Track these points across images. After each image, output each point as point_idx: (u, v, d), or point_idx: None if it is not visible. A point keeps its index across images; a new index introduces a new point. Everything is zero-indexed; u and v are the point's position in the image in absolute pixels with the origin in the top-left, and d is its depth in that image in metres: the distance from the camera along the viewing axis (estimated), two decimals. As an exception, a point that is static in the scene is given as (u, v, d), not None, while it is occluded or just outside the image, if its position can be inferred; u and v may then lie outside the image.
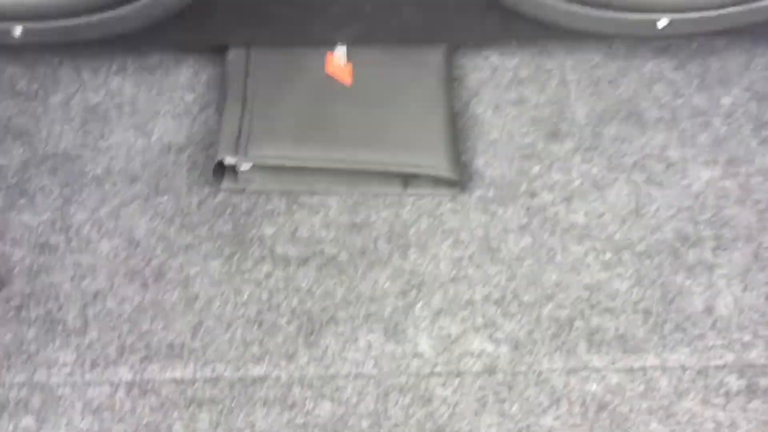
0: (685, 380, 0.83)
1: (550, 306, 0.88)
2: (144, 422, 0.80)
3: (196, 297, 0.88)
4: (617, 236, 0.92)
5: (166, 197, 0.94)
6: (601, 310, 0.87)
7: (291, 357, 0.84)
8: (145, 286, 0.88)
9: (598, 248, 0.92)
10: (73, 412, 0.80)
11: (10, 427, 0.79)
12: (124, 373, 0.82)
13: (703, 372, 0.83)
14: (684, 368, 0.83)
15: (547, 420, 0.81)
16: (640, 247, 0.91)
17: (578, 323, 0.87)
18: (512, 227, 0.93)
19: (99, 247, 0.91)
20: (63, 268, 0.89)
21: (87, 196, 0.94)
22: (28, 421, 0.79)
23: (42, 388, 0.81)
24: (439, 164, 0.94)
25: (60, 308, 0.86)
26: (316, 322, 0.87)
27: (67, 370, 0.82)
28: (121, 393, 0.81)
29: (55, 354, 0.83)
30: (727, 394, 0.82)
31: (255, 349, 0.85)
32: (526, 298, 0.88)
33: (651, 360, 0.84)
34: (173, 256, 0.90)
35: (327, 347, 0.85)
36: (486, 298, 0.88)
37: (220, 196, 0.95)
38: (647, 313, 0.87)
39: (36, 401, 0.80)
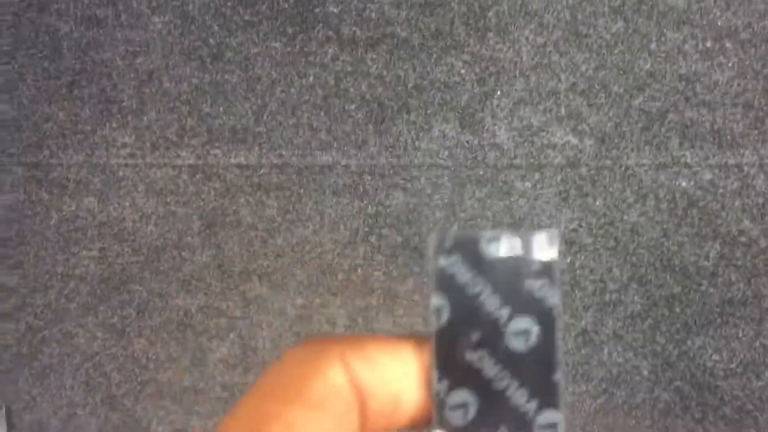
0: (783, 179, 0.77)
1: (641, 97, 0.81)
2: (210, 207, 0.77)
3: (258, 79, 0.81)
4: (720, 22, 0.83)
5: (220, -30, 0.86)
6: (697, 102, 0.80)
7: (361, 145, 0.79)
8: (203, 66, 0.82)
9: (697, 35, 0.83)
10: (136, 193, 0.77)
11: (73, 207, 0.76)
12: (187, 157, 0.78)
13: (803, 171, 0.78)
14: (783, 166, 0.78)
15: (632, 216, 0.77)
16: (745, 35, 0.83)
17: (671, 116, 0.80)
18: (603, 10, 0.84)
19: (151, 23, 0.83)
20: (114, 44, 0.82)
21: (134, -33, 0.86)
22: (90, 201, 0.76)
23: (102, 169, 0.77)
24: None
25: (114, 87, 0.81)
26: (387, 109, 0.81)
27: (127, 151, 0.78)
28: (184, 176, 0.78)
29: (113, 134, 0.79)
30: (828, 194, 0.77)
31: (323, 135, 0.80)
32: (615, 88, 0.81)
33: (748, 156, 0.78)
34: (231, 35, 0.83)
35: (399, 136, 0.80)
36: (571, 88, 0.81)
37: (280, -30, 0.86)
38: (748, 106, 0.80)
39: (97, 182, 0.77)
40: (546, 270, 0.20)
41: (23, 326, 0.72)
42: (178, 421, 0.69)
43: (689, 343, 0.73)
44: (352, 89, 0.81)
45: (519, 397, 0.19)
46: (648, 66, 0.82)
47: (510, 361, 0.19)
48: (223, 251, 0.75)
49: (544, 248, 0.20)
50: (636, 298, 0.74)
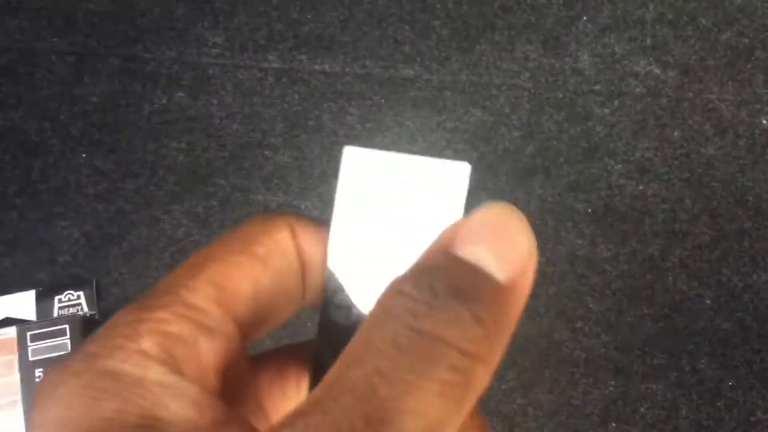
0: None
1: (729, 32, 0.80)
2: (293, 110, 0.79)
3: (347, -11, 0.83)
4: (819, -39, 0.82)
5: None
6: (786, 41, 0.79)
7: (443, 61, 0.80)
8: (294, -28, 0.83)
9: (794, -27, 0.81)
10: (224, 92, 0.79)
11: (164, 100, 0.79)
12: (273, 60, 0.80)
13: None
14: None
15: (709, 149, 0.77)
16: (844, -24, 0.81)
17: (758, 53, 0.79)
18: (699, -59, 0.83)
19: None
20: (209, -54, 0.84)
21: None
22: (180, 96, 0.79)
23: (193, 66, 0.80)
24: None
25: (207, -12, 0.83)
26: (472, 27, 0.81)
27: (217, 51, 0.81)
28: (270, 79, 0.80)
29: (205, 33, 0.81)
30: None
31: (406, 49, 0.81)
32: (703, 21, 0.81)
33: (834, 99, 0.77)
34: (323, -56, 0.84)
35: (481, 54, 0.81)
36: (659, 18, 0.81)
37: None
38: (839, 49, 0.79)
39: (187, 78, 0.80)
40: (446, 199, 0.21)
41: (114, 208, 0.76)
42: (254, 308, 0.73)
43: (755, 277, 0.74)
44: (438, 5, 0.82)
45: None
46: (739, 1, 0.81)
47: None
48: (304, 153, 0.78)
49: (450, 180, 0.21)
50: (705, 229, 0.75)
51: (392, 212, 0.21)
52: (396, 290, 0.18)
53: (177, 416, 0.18)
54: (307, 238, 0.23)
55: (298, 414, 0.17)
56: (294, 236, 0.23)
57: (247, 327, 0.21)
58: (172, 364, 0.19)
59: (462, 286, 0.18)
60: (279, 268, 0.22)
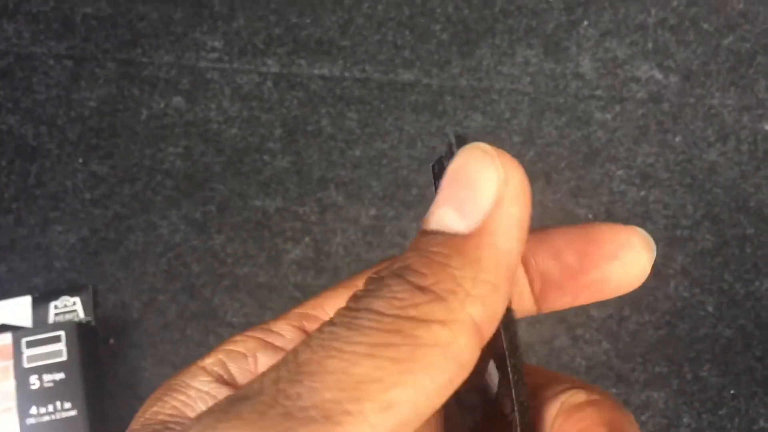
0: None
1: (731, 37, 0.79)
2: (292, 115, 0.78)
3: (347, -7, 0.82)
4: (822, -34, 0.81)
5: None
6: (789, 46, 0.79)
7: (443, 65, 0.80)
8: (293, -24, 0.83)
9: (797, -23, 0.81)
10: (222, 96, 0.79)
11: (162, 105, 0.78)
12: (272, 65, 0.80)
13: None
14: None
15: (711, 155, 0.76)
16: None
17: (760, 58, 0.79)
18: (700, -54, 0.82)
19: (245, -69, 0.84)
20: (208, -50, 0.84)
21: None
22: (178, 100, 0.79)
23: (191, 71, 0.80)
24: None
25: (206, -8, 0.82)
26: (472, 31, 0.81)
27: (216, 55, 0.80)
28: (269, 83, 0.79)
29: (203, 38, 0.81)
30: None
31: (406, 53, 0.80)
32: (705, 26, 0.80)
33: (837, 104, 0.77)
34: (323, -53, 0.84)
35: (482, 59, 0.80)
36: (661, 23, 0.80)
37: None
38: (842, 54, 0.78)
39: (185, 82, 0.79)
40: None
41: (111, 213, 0.76)
42: (252, 314, 0.72)
43: (757, 283, 0.73)
44: (438, 9, 0.82)
45: None
46: (741, 6, 0.80)
47: None
48: (303, 158, 0.77)
49: None
50: (707, 235, 0.75)
51: None
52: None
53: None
54: None
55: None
56: None
57: None
58: (222, 375, 0.22)
59: (408, 265, 0.19)
60: None
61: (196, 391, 0.22)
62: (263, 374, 0.18)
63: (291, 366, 0.18)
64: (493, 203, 0.19)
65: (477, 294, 0.18)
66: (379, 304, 0.18)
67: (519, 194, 0.19)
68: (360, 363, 0.17)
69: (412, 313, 0.18)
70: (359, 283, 0.22)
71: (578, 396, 0.22)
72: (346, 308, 0.19)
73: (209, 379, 0.22)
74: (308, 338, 0.18)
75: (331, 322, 0.18)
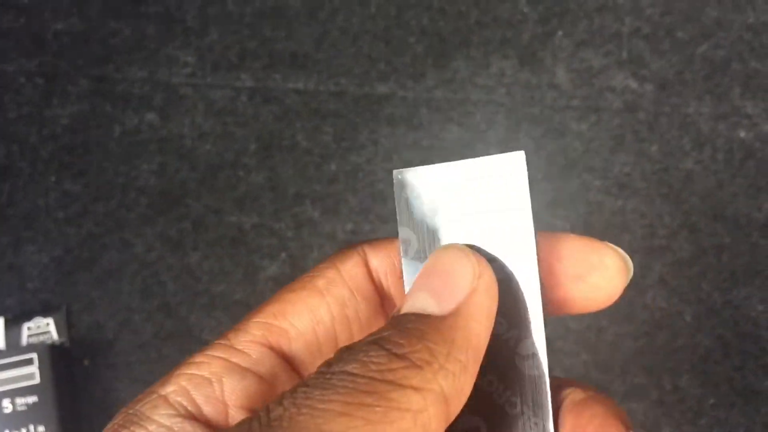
0: None
1: (706, 45, 0.80)
2: (267, 129, 0.78)
3: (321, 6, 0.82)
4: (794, -27, 0.81)
5: None
6: (762, 53, 0.79)
7: (419, 78, 0.80)
8: (266, -10, 0.82)
9: (770, -15, 0.81)
10: (196, 112, 0.78)
11: (135, 121, 0.78)
12: (246, 79, 0.79)
13: None
14: None
15: (688, 163, 0.76)
16: (819, -12, 0.81)
17: (735, 66, 0.79)
18: (674, -45, 0.83)
19: (217, -55, 0.84)
20: (181, -36, 0.83)
21: None
22: (151, 116, 0.78)
23: (164, 86, 0.79)
24: None
25: (179, 7, 0.82)
26: (448, 43, 0.81)
27: (189, 70, 0.80)
28: (243, 98, 0.79)
29: (176, 53, 0.80)
30: None
31: (381, 66, 0.80)
32: (680, 34, 0.80)
33: (811, 112, 0.77)
34: (296, -40, 0.83)
35: (457, 71, 0.80)
36: (635, 32, 0.80)
37: None
38: (815, 61, 0.78)
39: (159, 98, 0.79)
40: (509, 193, 0.21)
41: (84, 232, 0.75)
42: (228, 332, 0.72)
43: (735, 292, 0.73)
44: (413, 21, 0.82)
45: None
46: (715, 14, 0.80)
47: None
48: (278, 173, 0.77)
49: (509, 172, 0.21)
50: (685, 245, 0.74)
51: (458, 222, 0.22)
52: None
53: None
54: (380, 262, 0.24)
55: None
56: (367, 263, 0.24)
57: (307, 357, 0.23)
58: (186, 407, 0.22)
59: (387, 336, 0.20)
60: (340, 297, 0.24)
61: (157, 426, 0.21)
62: (233, 429, 0.18)
63: (263, 420, 0.18)
64: (469, 292, 0.21)
65: (449, 369, 0.19)
66: (354, 367, 0.19)
67: (490, 287, 0.21)
68: (334, 420, 0.17)
69: (389, 377, 0.18)
70: (318, 282, 0.23)
71: (578, 393, 0.23)
72: (319, 372, 0.19)
73: (172, 412, 0.21)
74: (280, 396, 0.18)
75: (304, 383, 0.19)
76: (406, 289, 0.23)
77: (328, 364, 0.19)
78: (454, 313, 0.20)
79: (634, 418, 0.71)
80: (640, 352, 0.72)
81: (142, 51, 0.80)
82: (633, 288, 0.73)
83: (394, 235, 0.24)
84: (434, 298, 0.21)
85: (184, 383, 0.22)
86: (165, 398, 0.22)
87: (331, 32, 0.81)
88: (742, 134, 0.77)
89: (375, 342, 0.19)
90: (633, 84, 0.79)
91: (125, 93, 0.78)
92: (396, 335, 0.19)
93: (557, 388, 0.23)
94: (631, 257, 0.24)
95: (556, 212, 0.76)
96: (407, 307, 0.21)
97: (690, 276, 0.74)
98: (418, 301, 0.21)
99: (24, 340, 0.70)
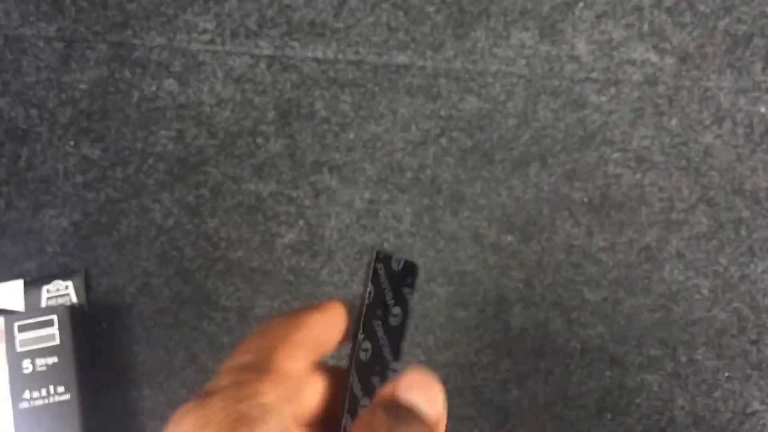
0: None
1: (727, 19, 0.79)
2: (285, 97, 0.78)
3: (340, -26, 0.81)
4: (819, -53, 0.80)
5: None
6: (785, 28, 0.78)
7: (438, 48, 0.79)
8: (286, -43, 0.82)
9: (794, -41, 0.80)
10: (215, 79, 0.78)
11: (154, 87, 0.78)
12: (265, 47, 0.79)
13: None
14: None
15: (707, 137, 0.76)
16: (844, -38, 0.80)
17: (757, 41, 0.78)
18: (697, -74, 0.82)
19: None
20: (200, -70, 0.83)
21: None
22: (170, 83, 0.78)
23: (183, 53, 0.79)
24: None
25: (198, -27, 0.81)
26: (467, 13, 0.80)
27: (207, 37, 0.79)
28: (262, 66, 0.79)
29: (195, 19, 0.80)
30: None
31: (401, 35, 0.80)
32: (702, 7, 0.79)
33: (833, 87, 0.76)
34: (316, -72, 0.83)
35: (476, 41, 0.79)
36: (656, 4, 0.80)
37: None
38: (838, 36, 0.78)
39: (177, 65, 0.78)
40: (412, 284, 0.33)
41: (103, 197, 0.75)
42: (245, 298, 0.72)
43: (752, 266, 0.73)
44: (432, -9, 0.81)
45: (387, 352, 0.32)
46: (738, -13, 0.80)
47: (388, 329, 0.32)
48: (296, 142, 0.77)
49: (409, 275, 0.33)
50: (703, 219, 0.74)
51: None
52: (367, 411, 0.29)
53: None
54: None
55: None
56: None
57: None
58: None
59: (402, 415, 0.29)
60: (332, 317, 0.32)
61: None
62: None
63: None
64: (442, 412, 0.30)
65: None
66: None
67: (444, 418, 0.30)
68: None
69: None
70: (310, 320, 0.30)
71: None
72: None
73: None
74: None
75: None
76: (360, 325, 0.32)
77: None
78: (435, 421, 0.30)
79: (649, 389, 0.72)
80: (657, 324, 0.72)
81: (161, 17, 0.80)
82: (650, 261, 0.73)
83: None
84: (425, 401, 0.30)
85: None
86: None
87: (350, 0, 0.81)
88: (763, 109, 0.76)
89: None
90: (653, 57, 0.78)
91: (143, 59, 0.78)
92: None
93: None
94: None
95: (574, 184, 0.76)
96: (404, 396, 0.30)
97: (707, 250, 0.74)
98: (421, 402, 0.30)
99: (43, 303, 0.70)
